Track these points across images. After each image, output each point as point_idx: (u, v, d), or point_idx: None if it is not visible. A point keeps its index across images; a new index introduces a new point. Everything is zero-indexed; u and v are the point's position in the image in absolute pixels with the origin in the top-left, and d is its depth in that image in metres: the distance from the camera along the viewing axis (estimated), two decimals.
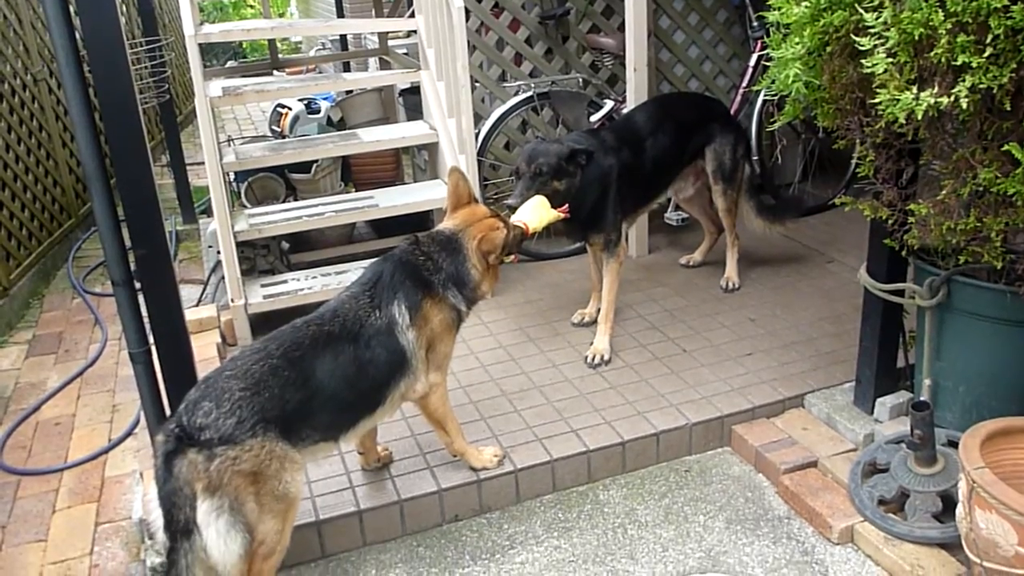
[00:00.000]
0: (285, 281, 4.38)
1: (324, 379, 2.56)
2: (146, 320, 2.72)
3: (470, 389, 3.60)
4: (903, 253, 2.91)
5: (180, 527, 2.30)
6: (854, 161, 5.03)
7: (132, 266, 2.63)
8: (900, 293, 3.03)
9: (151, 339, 2.72)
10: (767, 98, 2.97)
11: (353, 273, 4.35)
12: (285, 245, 4.79)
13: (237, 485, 2.33)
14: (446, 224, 2.99)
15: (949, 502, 2.72)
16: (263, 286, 4.33)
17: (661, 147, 4.06)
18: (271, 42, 6.38)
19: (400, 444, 3.26)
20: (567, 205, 3.40)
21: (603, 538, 2.95)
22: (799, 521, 2.98)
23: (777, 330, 3.97)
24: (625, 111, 4.58)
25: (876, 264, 3.09)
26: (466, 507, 3.07)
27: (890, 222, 2.81)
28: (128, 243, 2.57)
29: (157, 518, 2.37)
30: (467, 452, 3.09)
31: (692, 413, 3.36)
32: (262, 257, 4.64)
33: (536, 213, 3.21)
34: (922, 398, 3.02)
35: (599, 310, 3.95)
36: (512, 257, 3.11)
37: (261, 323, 4.19)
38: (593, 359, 3.77)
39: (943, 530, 2.68)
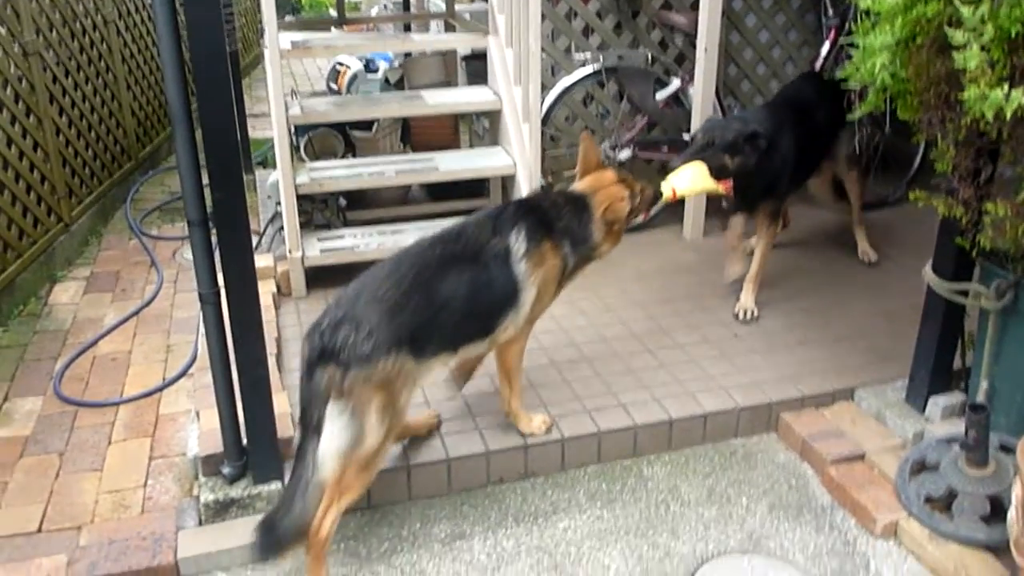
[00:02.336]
0: (342, 237, 4.43)
1: (447, 298, 2.75)
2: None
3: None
4: (973, 253, 2.88)
5: (312, 424, 2.57)
6: (918, 159, 5.01)
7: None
8: (964, 293, 3.00)
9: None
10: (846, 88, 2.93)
11: (410, 234, 4.40)
12: (343, 201, 4.83)
13: (363, 397, 2.57)
14: (576, 187, 3.13)
15: (998, 505, 2.71)
16: (320, 240, 4.38)
17: (821, 126, 4.14)
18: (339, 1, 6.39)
19: (450, 405, 3.30)
20: (731, 182, 3.59)
21: (645, 512, 2.98)
22: (842, 512, 2.99)
23: (830, 322, 3.95)
24: (691, 91, 4.57)
25: (942, 263, 3.06)
26: (512, 470, 3.11)
27: (963, 221, 2.78)
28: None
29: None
30: (520, 415, 3.15)
31: (741, 397, 3.37)
32: (319, 212, 4.69)
33: (690, 179, 3.39)
34: (978, 400, 3.00)
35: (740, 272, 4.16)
36: (642, 215, 3.29)
37: (316, 276, 4.25)
38: (744, 315, 3.97)
39: (990, 533, 2.68)
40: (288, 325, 3.96)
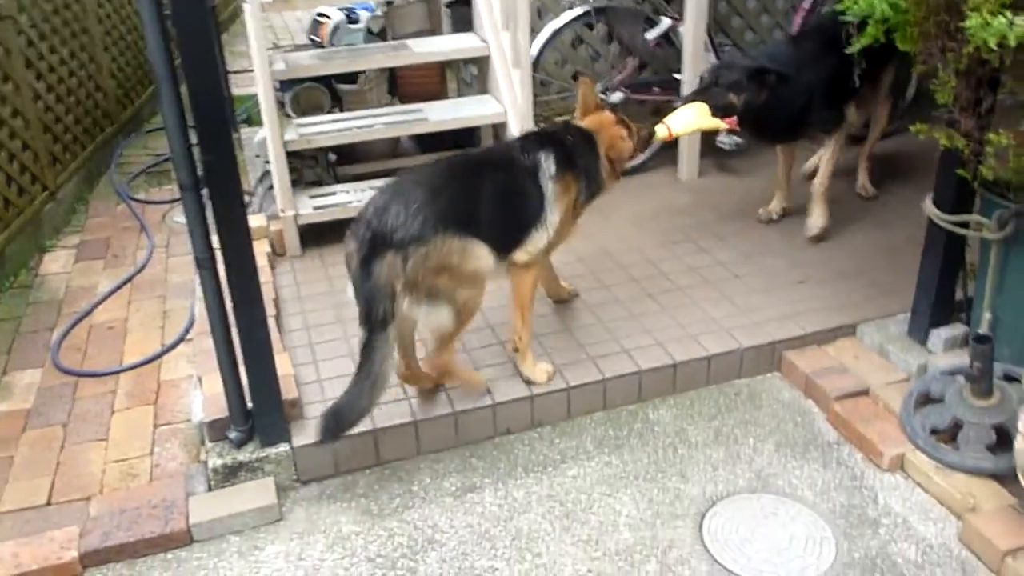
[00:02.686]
0: (334, 193, 4.38)
1: (484, 196, 2.87)
2: None
3: None
4: (974, 185, 2.85)
5: (378, 320, 2.65)
6: (911, 90, 4.95)
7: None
8: (964, 225, 2.99)
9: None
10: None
11: None
12: (332, 157, 4.76)
13: (430, 279, 2.68)
14: (586, 121, 3.22)
15: (1004, 435, 2.73)
16: (312, 197, 4.33)
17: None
18: None
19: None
20: (736, 119, 3.64)
21: (653, 456, 2.99)
22: (848, 447, 3.01)
23: (830, 259, 3.94)
24: (681, 30, 4.49)
25: (943, 194, 3.04)
26: (519, 421, 3.12)
27: (965, 152, 2.75)
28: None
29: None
30: (526, 356, 3.15)
31: (743, 337, 3.37)
32: (309, 168, 4.63)
33: (687, 118, 3.45)
34: (981, 331, 3.00)
35: (784, 208, 4.29)
36: (639, 156, 3.40)
37: (310, 234, 4.22)
38: (811, 233, 4.06)
39: (996, 462, 2.70)
40: (285, 285, 3.93)
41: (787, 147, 4.27)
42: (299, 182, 4.56)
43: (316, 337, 3.49)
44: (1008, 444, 2.63)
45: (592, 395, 3.18)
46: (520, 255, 3.00)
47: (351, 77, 5.17)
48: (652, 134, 3.37)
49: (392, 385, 3.12)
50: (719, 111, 3.56)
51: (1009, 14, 2.23)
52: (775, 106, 3.78)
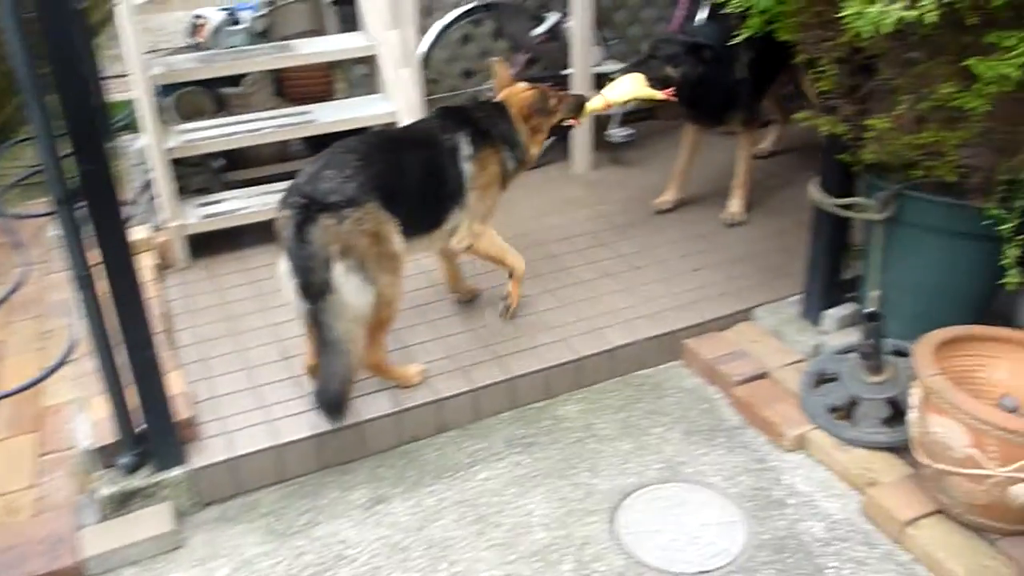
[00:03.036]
0: (222, 200, 4.22)
1: (407, 170, 2.92)
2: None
3: (425, 308, 3.56)
4: (857, 168, 2.94)
5: (316, 289, 2.65)
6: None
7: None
8: (849, 208, 3.08)
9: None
10: (724, 13, 2.93)
11: None
12: (219, 162, 4.60)
13: (363, 244, 2.68)
14: (497, 97, 3.36)
15: (897, 408, 2.83)
16: (199, 206, 4.17)
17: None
18: None
19: None
20: (673, 90, 3.68)
21: (564, 452, 2.99)
22: (752, 430, 3.06)
23: (724, 245, 4.02)
24: (568, 24, 4.50)
25: (827, 179, 3.13)
26: (426, 426, 3.07)
27: (846, 137, 2.83)
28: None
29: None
30: (516, 284, 3.41)
31: (645, 328, 3.40)
32: (195, 175, 4.45)
33: (624, 88, 3.51)
34: (870, 309, 3.10)
35: (678, 200, 4.37)
36: (572, 120, 3.46)
37: (199, 244, 4.05)
38: (726, 218, 4.20)
39: (891, 435, 2.79)
40: (174, 298, 3.77)
41: (695, 136, 4.33)
42: (185, 190, 4.37)
43: (210, 351, 3.36)
44: (902, 417, 2.72)
45: (499, 394, 3.15)
46: (455, 242, 3.16)
47: (235, 80, 5.00)
48: (583, 101, 3.47)
49: (292, 398, 3.05)
50: (657, 83, 3.62)
51: (882, 3, 2.29)
52: (709, 83, 3.87)
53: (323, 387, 2.77)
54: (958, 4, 2.25)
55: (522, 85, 3.38)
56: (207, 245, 4.08)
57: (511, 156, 3.25)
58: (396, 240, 2.84)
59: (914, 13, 2.26)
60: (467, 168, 3.09)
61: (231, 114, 4.93)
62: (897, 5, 2.27)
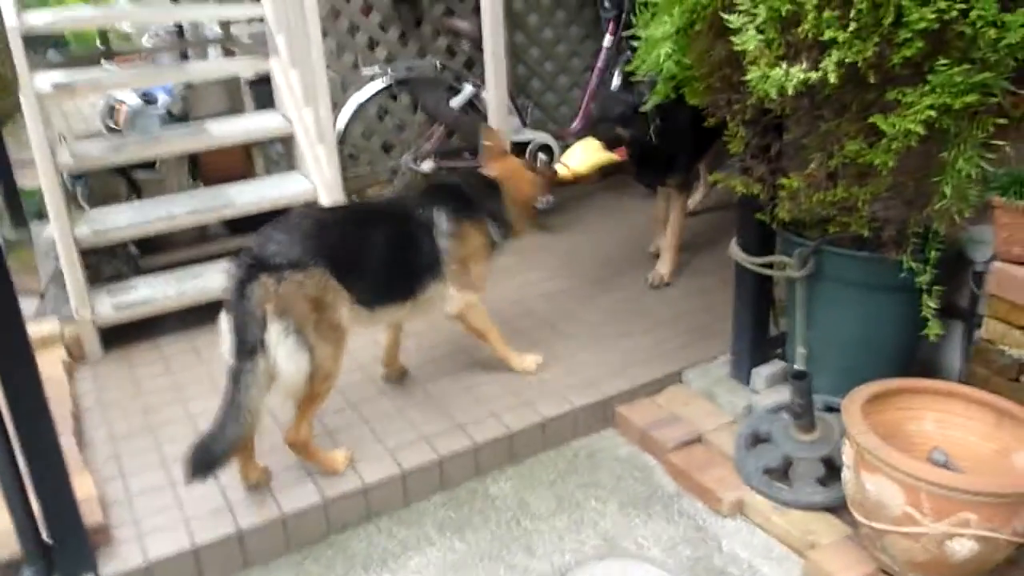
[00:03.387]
0: (136, 288, 4.07)
1: (371, 245, 2.94)
2: None
3: (346, 388, 3.45)
4: (773, 226, 2.96)
5: (248, 348, 2.61)
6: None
7: None
8: (769, 266, 3.09)
9: None
10: (635, 80, 2.97)
11: (209, 275, 4.11)
12: (133, 249, 4.47)
13: (302, 309, 2.67)
14: (486, 170, 3.38)
15: (831, 466, 2.80)
16: (111, 295, 4.01)
17: None
18: (102, 31, 5.94)
19: (277, 456, 3.07)
20: (625, 150, 3.74)
21: (497, 532, 2.88)
22: (689, 497, 3.00)
23: (650, 308, 4.01)
24: (485, 95, 4.52)
25: (746, 238, 3.15)
26: (353, 515, 2.93)
27: (761, 197, 2.85)
28: None
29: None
30: (509, 358, 3.47)
31: (576, 397, 3.34)
32: (108, 263, 4.31)
33: (583, 155, 3.57)
34: (797, 367, 3.10)
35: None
36: (544, 197, 3.61)
37: (113, 335, 3.89)
38: (654, 281, 4.20)
39: (828, 494, 2.76)
40: (85, 393, 3.59)
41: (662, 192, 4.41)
42: (97, 278, 4.23)
43: (123, 448, 3.19)
44: (837, 475, 2.69)
45: (429, 477, 3.04)
46: (448, 310, 3.24)
47: (149, 164, 4.90)
48: (555, 174, 3.56)
49: (209, 494, 2.90)
50: (608, 144, 3.67)
51: (785, 65, 2.32)
52: (657, 144, 3.91)
53: (204, 445, 2.63)
54: (859, 63, 2.29)
55: (517, 162, 3.45)
56: (122, 336, 3.92)
57: (497, 229, 3.31)
58: (342, 312, 2.82)
59: (816, 75, 2.29)
60: (444, 242, 3.12)
61: (145, 198, 4.82)
62: (799, 68, 2.30)
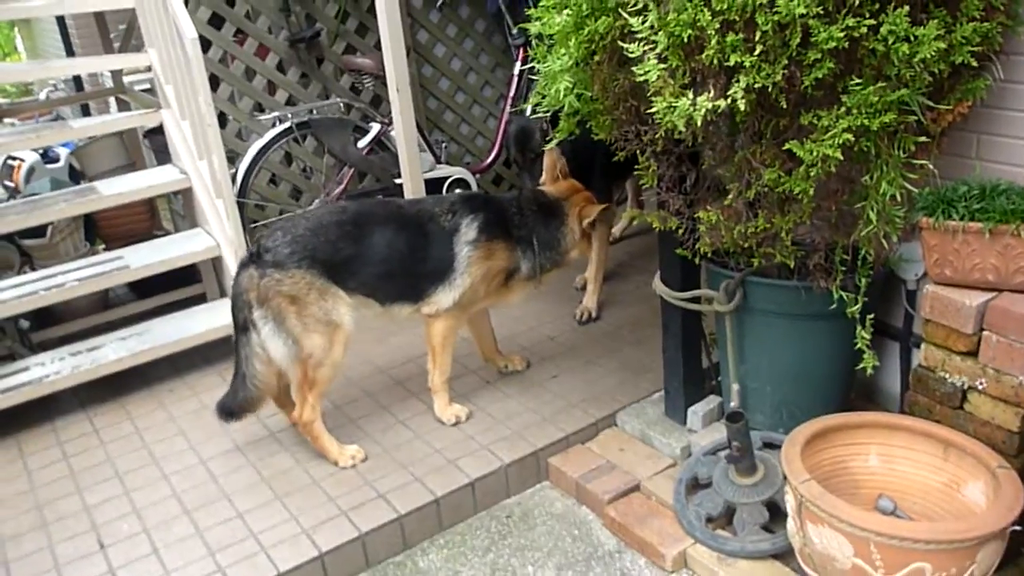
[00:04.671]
0: (26, 368, 3.75)
1: (378, 246, 3.06)
2: None
3: (260, 464, 3.20)
4: (695, 260, 2.80)
5: (241, 324, 3.02)
6: None
7: None
8: (696, 300, 2.94)
9: None
10: (540, 115, 2.79)
11: (109, 347, 3.83)
12: (24, 324, 4.15)
13: (279, 303, 2.93)
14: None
15: (776, 509, 2.65)
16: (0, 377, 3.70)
17: None
18: None
19: (185, 544, 2.81)
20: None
21: None
22: (631, 553, 2.81)
23: (577, 344, 3.83)
24: (393, 133, 4.31)
25: (669, 273, 2.99)
26: None
27: (679, 231, 2.69)
28: None
29: None
30: (439, 395, 3.35)
31: (505, 453, 3.13)
32: None
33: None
34: (732, 404, 2.94)
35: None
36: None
37: (3, 421, 3.57)
38: (582, 316, 4.04)
39: (774, 541, 2.59)
40: None
41: None
42: None
43: (13, 552, 2.89)
44: (782, 519, 2.53)
45: (351, 556, 2.80)
46: (425, 307, 3.18)
47: (40, 230, 4.57)
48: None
49: None
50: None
51: (691, 94, 2.17)
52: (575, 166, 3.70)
53: (224, 403, 3.15)
54: (769, 87, 2.14)
55: (578, 184, 3.41)
56: (13, 421, 3.60)
57: (532, 257, 3.26)
58: (335, 308, 2.99)
59: (724, 103, 2.14)
60: (465, 251, 3.12)
61: (37, 267, 4.51)
62: (706, 96, 2.14)
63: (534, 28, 2.44)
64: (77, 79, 7.60)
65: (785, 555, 2.57)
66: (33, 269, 4.47)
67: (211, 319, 3.92)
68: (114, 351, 3.79)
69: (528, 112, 4.64)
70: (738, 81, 2.12)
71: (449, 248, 3.11)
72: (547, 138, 3.56)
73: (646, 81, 2.22)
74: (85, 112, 7.80)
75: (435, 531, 2.96)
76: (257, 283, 2.94)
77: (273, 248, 2.96)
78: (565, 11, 2.34)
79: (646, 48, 2.18)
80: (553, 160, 3.38)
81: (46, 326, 4.35)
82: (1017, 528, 2.12)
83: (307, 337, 2.96)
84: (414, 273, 3.12)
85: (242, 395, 3.09)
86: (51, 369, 3.72)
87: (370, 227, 3.08)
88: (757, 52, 2.09)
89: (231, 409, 3.14)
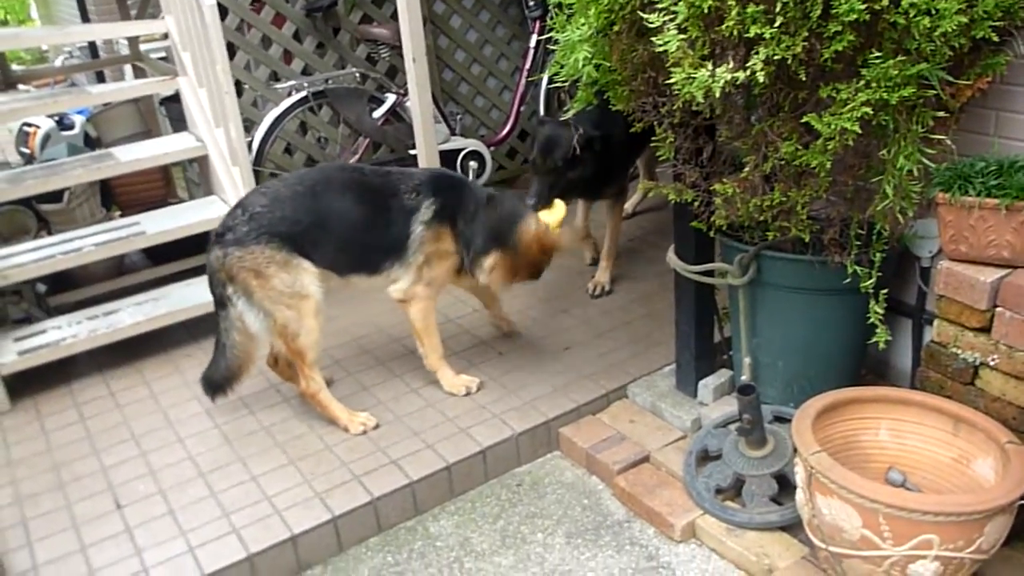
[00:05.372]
0: (44, 331, 3.79)
1: (335, 215, 3.09)
2: None
3: (273, 428, 3.24)
4: (710, 233, 2.81)
5: (219, 300, 3.10)
6: None
7: None
8: (709, 274, 2.94)
9: None
10: (557, 85, 2.78)
11: (125, 311, 3.87)
12: (41, 288, 4.19)
13: (244, 278, 2.99)
14: (529, 223, 3.24)
15: (785, 482, 2.67)
16: (17, 340, 3.73)
17: None
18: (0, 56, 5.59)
19: (201, 506, 2.86)
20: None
21: None
22: (640, 523, 2.84)
23: (590, 318, 3.85)
24: (408, 104, 4.31)
25: (683, 246, 2.99)
26: (283, 569, 2.72)
27: (695, 204, 2.70)
28: None
29: None
30: (441, 371, 3.39)
31: (516, 422, 3.16)
32: (14, 305, 4.03)
33: (556, 215, 3.36)
34: (743, 378, 2.96)
35: (593, 257, 4.32)
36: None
37: (20, 383, 3.62)
38: (595, 290, 4.05)
39: (783, 513, 2.62)
40: None
41: (588, 201, 4.30)
42: (3, 322, 3.95)
43: (31, 511, 2.94)
44: (791, 491, 2.55)
45: (363, 520, 2.84)
46: (392, 290, 3.23)
47: (56, 195, 4.60)
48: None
49: (125, 556, 2.67)
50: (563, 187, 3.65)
51: (711, 65, 2.17)
52: (599, 168, 3.75)
53: (208, 375, 3.23)
54: (789, 60, 2.14)
55: (546, 242, 3.28)
56: (32, 383, 3.65)
57: (468, 255, 3.23)
58: (294, 278, 3.01)
59: (744, 74, 2.14)
60: (418, 230, 3.14)
61: (54, 232, 4.54)
62: (725, 67, 2.14)
63: None
64: (92, 46, 7.60)
65: (793, 527, 2.60)
66: (50, 234, 4.51)
67: None
68: (130, 315, 3.83)
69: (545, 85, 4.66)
70: (757, 53, 2.12)
71: (407, 226, 3.13)
72: (574, 153, 3.60)
73: (665, 52, 2.22)
74: (100, 79, 7.80)
75: (446, 498, 3.00)
76: (223, 262, 3.00)
77: (233, 226, 3.01)
78: None
79: (666, 19, 2.18)
80: (565, 212, 3.37)
81: (63, 290, 4.38)
82: None
83: (277, 310, 3.01)
84: (368, 244, 3.14)
85: (223, 365, 3.15)
86: (68, 332, 3.76)
87: (328, 196, 3.10)
88: (777, 24, 2.09)
89: (216, 382, 3.19)
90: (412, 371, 3.53)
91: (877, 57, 2.12)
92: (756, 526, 2.64)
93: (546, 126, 3.76)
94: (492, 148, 5.02)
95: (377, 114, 4.53)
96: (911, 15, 2.06)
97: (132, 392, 3.61)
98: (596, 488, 3.02)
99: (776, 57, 2.13)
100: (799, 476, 2.35)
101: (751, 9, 2.08)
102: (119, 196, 5.14)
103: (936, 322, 2.51)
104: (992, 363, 2.38)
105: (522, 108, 5.15)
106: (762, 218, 2.57)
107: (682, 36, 2.17)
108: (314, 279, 3.05)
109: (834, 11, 2.06)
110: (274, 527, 2.74)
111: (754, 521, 2.65)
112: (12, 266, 3.73)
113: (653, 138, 2.69)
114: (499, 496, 3.02)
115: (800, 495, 2.36)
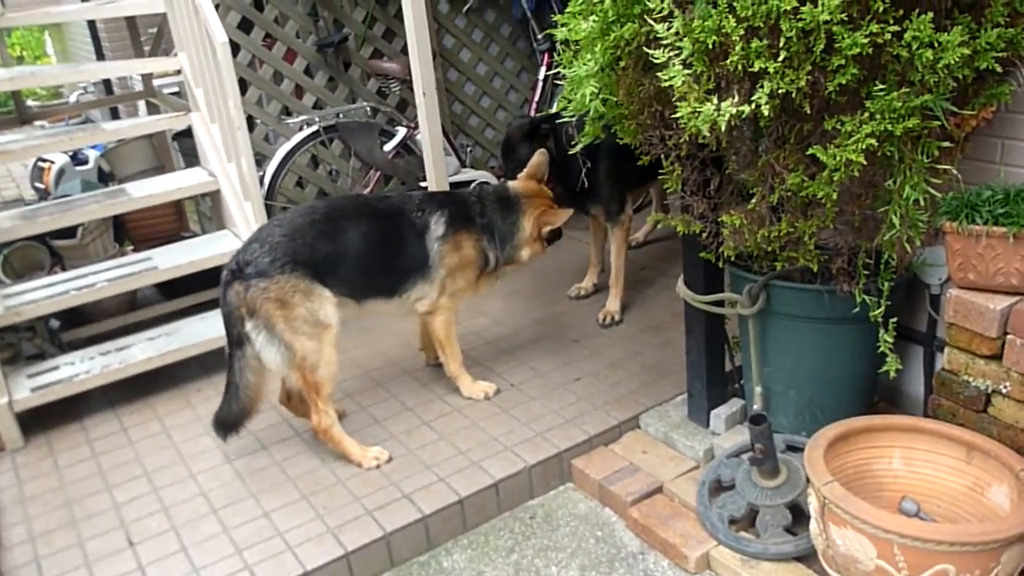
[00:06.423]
0: (57, 368, 3.82)
1: (353, 240, 3.15)
2: None
3: (285, 463, 3.25)
4: (719, 264, 2.82)
5: (235, 339, 3.07)
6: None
7: None
8: (719, 304, 2.95)
9: None
10: (564, 121, 2.81)
11: (138, 346, 3.89)
12: (54, 324, 4.22)
13: (268, 309, 2.98)
14: (514, 184, 3.51)
15: (799, 512, 2.66)
16: (30, 376, 3.76)
17: None
18: (15, 93, 5.67)
19: (212, 543, 2.86)
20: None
21: None
22: (654, 554, 2.83)
23: (601, 348, 3.85)
24: (419, 137, 4.35)
25: (692, 276, 3.00)
26: None
27: (703, 235, 2.71)
28: None
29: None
30: (460, 378, 3.54)
31: (528, 454, 3.16)
32: (27, 341, 4.07)
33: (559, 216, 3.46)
34: (755, 407, 2.95)
35: (594, 284, 4.36)
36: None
37: (34, 419, 3.64)
38: (605, 319, 4.04)
39: (797, 543, 2.60)
40: (5, 487, 3.34)
41: (595, 222, 4.27)
42: (17, 359, 3.99)
43: (44, 549, 2.94)
44: (805, 521, 2.54)
45: (376, 555, 2.83)
46: (418, 305, 3.35)
47: (70, 231, 4.65)
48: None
49: None
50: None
51: (716, 99, 2.19)
52: (567, 162, 3.71)
53: (221, 418, 3.17)
54: (793, 93, 2.16)
55: (548, 191, 3.50)
56: (45, 419, 3.67)
57: (495, 249, 3.42)
58: (322, 308, 3.05)
59: (748, 108, 2.16)
60: (435, 247, 3.26)
61: (68, 268, 4.59)
62: (730, 101, 2.17)
63: (560, 34, 2.47)
64: (107, 82, 7.71)
65: (808, 557, 2.58)
66: (64, 269, 4.56)
67: None
68: (142, 351, 3.85)
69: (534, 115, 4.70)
70: (762, 87, 2.14)
71: (422, 243, 3.25)
72: (532, 148, 3.64)
73: (671, 86, 2.24)
74: (114, 115, 7.92)
75: (459, 531, 2.99)
76: (244, 296, 2.99)
77: (253, 260, 3.01)
78: (591, 17, 2.36)
79: (671, 54, 2.21)
80: (541, 161, 3.48)
81: (76, 326, 4.41)
82: None
83: (297, 341, 3.01)
84: (388, 268, 3.23)
85: (236, 406, 3.13)
86: (81, 368, 3.79)
87: (342, 222, 3.17)
88: (781, 58, 2.11)
89: (229, 422, 3.18)
90: (424, 404, 3.54)
91: (881, 89, 2.14)
92: (771, 557, 2.63)
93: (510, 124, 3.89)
94: (502, 179, 5.05)
95: (388, 147, 4.57)
96: (914, 48, 2.08)
97: (144, 428, 3.63)
98: (609, 520, 3.02)
99: (780, 91, 2.15)
100: (812, 507, 2.35)
101: (755, 44, 2.11)
102: (132, 231, 5.19)
103: (947, 350, 2.51)
104: (1004, 391, 2.38)
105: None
106: (770, 248, 2.58)
107: (687, 71, 2.19)
108: (334, 308, 3.09)
109: (837, 45, 2.08)
110: (287, 563, 2.74)
111: (769, 552, 2.63)
112: (26, 302, 3.77)
113: (660, 171, 2.70)
114: (512, 529, 3.01)
115: (814, 525, 2.36)
